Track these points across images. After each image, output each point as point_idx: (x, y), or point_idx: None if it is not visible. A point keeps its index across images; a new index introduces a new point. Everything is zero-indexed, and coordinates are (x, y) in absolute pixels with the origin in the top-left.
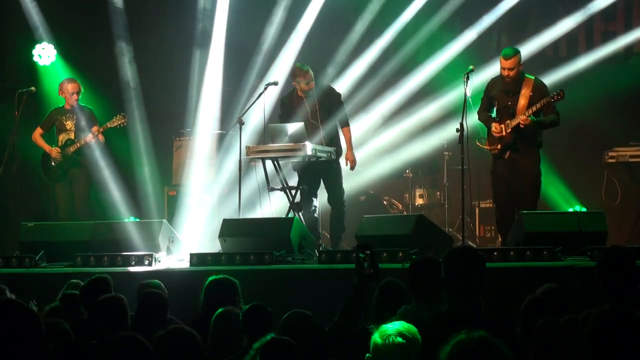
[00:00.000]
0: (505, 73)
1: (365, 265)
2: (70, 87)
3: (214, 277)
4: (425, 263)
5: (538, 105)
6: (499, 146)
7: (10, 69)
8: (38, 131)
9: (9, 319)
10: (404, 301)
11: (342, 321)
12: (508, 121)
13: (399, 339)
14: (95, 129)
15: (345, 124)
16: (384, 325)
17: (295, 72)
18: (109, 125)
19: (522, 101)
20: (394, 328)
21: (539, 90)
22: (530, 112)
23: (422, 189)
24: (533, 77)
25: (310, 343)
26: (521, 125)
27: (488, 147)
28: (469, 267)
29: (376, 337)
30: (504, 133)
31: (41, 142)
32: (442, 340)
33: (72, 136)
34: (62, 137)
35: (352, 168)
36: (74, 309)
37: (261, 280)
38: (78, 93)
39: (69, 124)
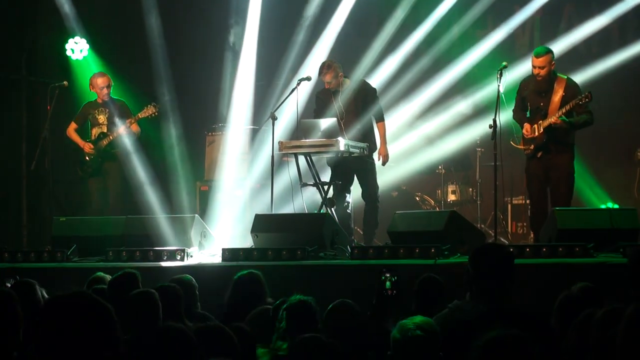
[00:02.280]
0: (536, 71)
1: (387, 286)
2: (99, 81)
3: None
4: None
5: (568, 107)
6: (532, 146)
7: (42, 63)
8: (72, 126)
9: (80, 311)
10: (443, 296)
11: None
12: (540, 121)
13: (418, 332)
14: (128, 121)
15: (380, 119)
16: (401, 321)
17: (320, 70)
18: (140, 116)
19: (555, 101)
20: (412, 322)
21: (572, 90)
22: (561, 112)
23: (455, 185)
24: (565, 77)
25: (357, 334)
26: (553, 127)
27: (522, 147)
28: (496, 264)
29: (395, 333)
30: (535, 134)
31: (75, 137)
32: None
33: (104, 129)
34: (95, 131)
35: (383, 163)
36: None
37: (293, 276)
38: (108, 87)
39: (102, 118)
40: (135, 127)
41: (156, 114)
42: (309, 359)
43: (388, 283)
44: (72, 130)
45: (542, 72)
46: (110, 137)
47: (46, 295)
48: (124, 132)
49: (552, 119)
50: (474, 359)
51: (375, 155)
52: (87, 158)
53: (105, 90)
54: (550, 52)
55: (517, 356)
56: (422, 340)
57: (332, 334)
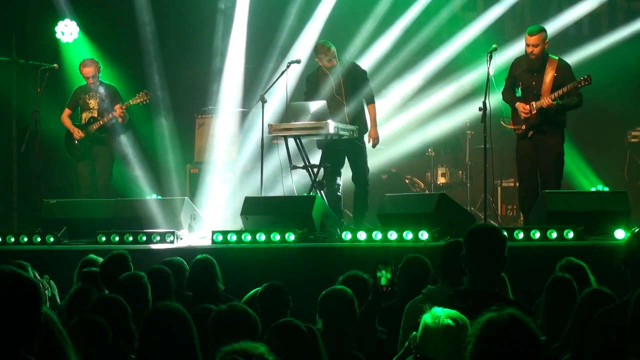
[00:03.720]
0: (530, 50)
1: (382, 282)
2: (85, 71)
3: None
4: (457, 244)
5: (564, 89)
6: (523, 126)
7: (32, 46)
8: (66, 112)
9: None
10: (428, 277)
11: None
12: (534, 102)
13: (449, 321)
14: (118, 106)
15: (371, 101)
16: (435, 307)
17: (317, 49)
18: (131, 103)
19: (547, 81)
20: (445, 311)
21: (564, 71)
22: (555, 95)
23: (444, 168)
24: (557, 58)
25: (347, 320)
26: (545, 108)
27: (512, 127)
28: (490, 245)
29: (427, 318)
30: (530, 114)
31: (67, 123)
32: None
33: (95, 114)
34: (85, 116)
35: (373, 146)
36: (98, 286)
37: (283, 258)
38: (94, 77)
39: (92, 103)
40: (123, 114)
41: (147, 101)
42: (285, 344)
43: (383, 279)
44: (65, 116)
45: (536, 50)
46: (100, 122)
47: (38, 277)
48: (113, 118)
49: (546, 101)
50: (472, 342)
51: (366, 138)
52: (76, 142)
53: (91, 80)
54: (543, 30)
55: (514, 336)
56: (452, 330)
57: (325, 319)
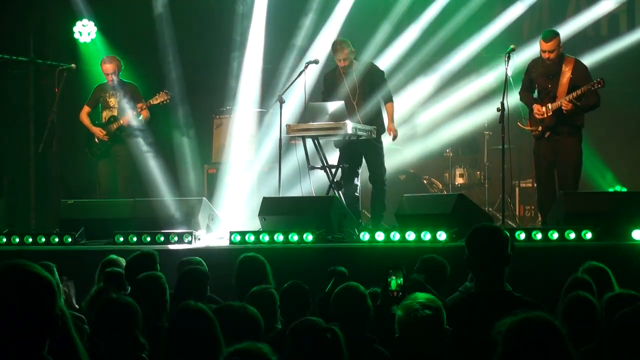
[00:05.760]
0: (546, 56)
1: (392, 287)
2: (105, 67)
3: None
4: None
5: (579, 92)
6: (540, 128)
7: (50, 46)
8: (85, 110)
9: (17, 280)
10: (445, 276)
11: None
12: (549, 104)
13: (427, 312)
14: (139, 105)
15: (389, 100)
16: (404, 302)
17: (336, 48)
18: (152, 102)
19: (563, 83)
20: (417, 301)
21: (580, 72)
22: (572, 96)
23: (462, 169)
24: (573, 59)
25: (362, 316)
26: (564, 110)
27: (529, 128)
28: (491, 246)
29: (401, 315)
30: (545, 115)
31: (87, 122)
32: (469, 321)
33: (115, 113)
34: (106, 114)
35: (394, 138)
36: (119, 286)
37: (301, 258)
38: (115, 73)
39: (113, 101)
40: (145, 113)
41: (168, 101)
42: (306, 343)
43: (394, 284)
44: (84, 114)
45: (552, 55)
46: (121, 122)
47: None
48: (133, 117)
49: (562, 103)
50: (502, 344)
51: (384, 136)
52: (96, 140)
53: (112, 77)
54: (557, 35)
55: (543, 340)
56: (431, 319)
57: (336, 317)
